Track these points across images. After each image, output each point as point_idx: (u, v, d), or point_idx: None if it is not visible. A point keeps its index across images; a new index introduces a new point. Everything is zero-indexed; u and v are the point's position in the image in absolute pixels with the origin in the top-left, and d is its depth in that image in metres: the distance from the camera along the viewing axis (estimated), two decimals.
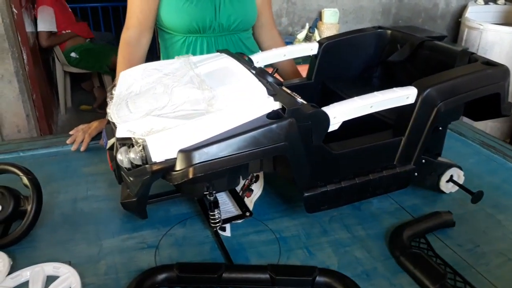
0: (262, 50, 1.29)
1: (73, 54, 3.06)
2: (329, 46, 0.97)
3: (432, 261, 0.68)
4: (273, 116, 0.65)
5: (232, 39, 1.19)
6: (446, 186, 0.86)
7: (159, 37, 1.23)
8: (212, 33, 1.15)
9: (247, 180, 0.84)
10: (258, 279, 0.63)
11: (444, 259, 0.70)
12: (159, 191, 0.78)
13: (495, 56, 2.39)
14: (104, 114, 0.79)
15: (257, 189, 0.81)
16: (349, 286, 0.62)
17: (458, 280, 0.66)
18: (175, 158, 0.60)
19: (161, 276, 0.63)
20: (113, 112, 0.71)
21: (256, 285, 0.64)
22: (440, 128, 0.84)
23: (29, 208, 0.72)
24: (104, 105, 3.26)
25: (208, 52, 1.14)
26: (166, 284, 0.63)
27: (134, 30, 1.12)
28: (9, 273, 0.65)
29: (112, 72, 2.96)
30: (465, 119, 0.97)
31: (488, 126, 2.57)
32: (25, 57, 2.28)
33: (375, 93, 0.69)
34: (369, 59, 1.02)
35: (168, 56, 1.21)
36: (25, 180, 0.73)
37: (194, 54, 1.15)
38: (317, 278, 0.63)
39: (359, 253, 0.72)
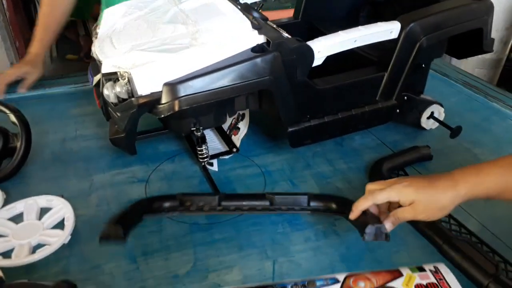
0: None
1: None
2: None
3: None
4: (257, 50, 0.65)
5: None
6: (426, 123, 0.88)
7: None
8: None
9: (234, 119, 0.85)
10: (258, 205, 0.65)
11: None
12: (148, 128, 0.80)
13: None
14: (86, 75, 0.78)
15: (244, 127, 0.83)
16: (342, 202, 0.65)
17: None
18: (161, 91, 0.61)
19: (166, 204, 0.63)
20: (98, 48, 0.71)
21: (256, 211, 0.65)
22: (423, 66, 0.85)
23: (18, 144, 0.73)
24: (90, 54, 3.20)
25: None
26: (170, 211, 0.63)
27: None
28: (3, 206, 0.67)
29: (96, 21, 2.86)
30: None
31: (475, 72, 2.58)
32: (4, 3, 2.19)
33: (359, 27, 0.70)
34: None
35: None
36: (13, 117, 0.73)
37: None
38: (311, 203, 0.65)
39: (340, 184, 0.75)
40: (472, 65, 2.64)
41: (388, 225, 0.56)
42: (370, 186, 0.59)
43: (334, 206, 0.64)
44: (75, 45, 3.34)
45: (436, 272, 0.55)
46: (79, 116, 0.93)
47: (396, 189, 0.54)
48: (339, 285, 0.52)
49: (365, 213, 0.58)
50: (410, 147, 0.81)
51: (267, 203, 0.65)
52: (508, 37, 2.54)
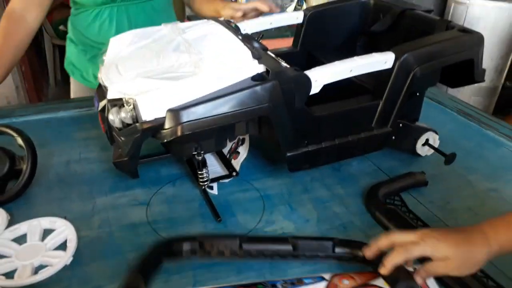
0: (193, 10, 1.25)
1: (61, 27, 3.03)
2: (314, 15, 1.00)
3: (405, 215, 0.73)
4: (257, 78, 0.68)
5: (145, 8, 1.13)
6: (422, 149, 0.91)
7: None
8: (122, 1, 1.09)
9: (234, 144, 0.88)
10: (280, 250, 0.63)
11: (417, 214, 0.75)
12: (150, 152, 0.82)
13: (480, 30, 2.43)
14: (89, 99, 0.80)
15: (243, 151, 0.85)
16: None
17: None
18: (164, 117, 0.64)
19: (186, 247, 0.62)
20: (104, 75, 0.74)
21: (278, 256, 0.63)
22: (418, 94, 0.88)
23: (24, 167, 0.75)
24: None
25: (119, 24, 1.10)
26: (190, 255, 0.62)
27: (19, 3, 0.99)
28: (7, 227, 0.68)
29: None
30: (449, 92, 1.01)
31: (471, 100, 2.63)
32: None
33: (355, 57, 0.73)
34: (352, 29, 1.05)
35: (77, 35, 1.17)
36: (20, 140, 0.76)
37: (105, 26, 1.11)
38: (336, 249, 0.63)
39: (338, 208, 0.77)
40: (469, 93, 2.68)
41: (419, 280, 0.55)
42: (398, 238, 0.57)
43: (361, 254, 0.62)
44: None
45: None
46: (83, 139, 0.96)
47: (431, 244, 0.53)
48: (325, 283, 0.54)
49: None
50: (406, 173, 0.83)
51: (289, 247, 0.63)
52: (503, 66, 2.59)
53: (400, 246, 0.55)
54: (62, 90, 3.21)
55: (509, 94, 2.82)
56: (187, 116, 0.63)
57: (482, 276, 0.60)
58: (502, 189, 0.82)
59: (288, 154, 0.76)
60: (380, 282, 0.59)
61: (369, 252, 0.58)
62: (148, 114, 0.64)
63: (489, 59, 2.53)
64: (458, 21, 2.53)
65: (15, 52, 1.00)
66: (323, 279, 0.56)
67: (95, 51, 1.15)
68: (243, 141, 0.85)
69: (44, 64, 3.19)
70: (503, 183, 0.84)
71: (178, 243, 0.62)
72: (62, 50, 3.23)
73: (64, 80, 3.31)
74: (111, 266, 0.63)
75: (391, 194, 0.79)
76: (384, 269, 0.56)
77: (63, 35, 3.06)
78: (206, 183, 0.78)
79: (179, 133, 0.63)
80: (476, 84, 2.76)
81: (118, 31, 1.05)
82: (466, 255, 0.53)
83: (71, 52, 1.22)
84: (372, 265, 0.61)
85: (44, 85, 3.02)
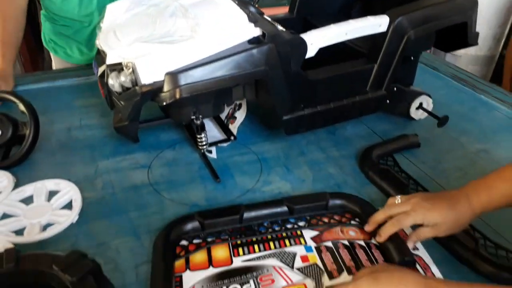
0: None
1: None
2: None
3: (397, 175, 0.76)
4: (254, 41, 0.70)
5: None
6: (415, 113, 0.93)
7: None
8: None
9: (231, 109, 0.89)
10: (277, 212, 0.65)
11: (409, 174, 0.78)
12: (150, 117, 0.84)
13: None
14: (88, 68, 0.78)
15: (240, 116, 0.87)
16: (361, 204, 0.68)
17: (420, 190, 0.74)
18: (163, 80, 0.65)
19: (186, 227, 0.63)
20: (102, 41, 0.75)
21: (276, 218, 0.65)
22: (412, 58, 0.89)
23: (27, 132, 0.77)
24: None
25: None
26: (192, 233, 0.63)
27: None
28: (14, 189, 0.71)
29: None
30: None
31: (468, 68, 2.62)
32: None
33: (350, 21, 0.74)
34: None
35: (54, 11, 1.12)
36: (22, 106, 0.77)
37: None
38: (330, 202, 0.67)
39: (332, 169, 0.79)
40: (466, 62, 2.68)
41: (411, 244, 0.60)
42: (393, 211, 0.61)
43: (354, 207, 0.67)
44: None
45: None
46: (84, 107, 0.97)
47: (421, 214, 0.58)
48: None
49: (394, 235, 0.61)
50: (399, 135, 0.85)
51: (285, 209, 0.66)
52: (501, 35, 2.58)
53: (394, 218, 0.60)
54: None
55: None
56: (185, 79, 0.64)
57: (480, 237, 0.63)
58: (492, 150, 0.85)
59: (285, 117, 0.78)
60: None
61: (368, 227, 0.63)
62: (147, 77, 0.65)
63: (487, 27, 2.52)
64: None
65: (17, 34, 1.03)
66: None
67: (78, 26, 1.12)
68: (240, 106, 0.87)
69: (39, 38, 3.15)
70: (493, 144, 0.87)
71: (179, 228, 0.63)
72: None
73: None
74: (115, 223, 0.66)
75: (385, 155, 0.81)
76: (380, 238, 0.61)
77: None
78: (205, 147, 0.80)
79: (177, 96, 0.65)
80: (473, 53, 2.75)
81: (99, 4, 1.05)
82: (453, 220, 0.58)
83: (48, 29, 1.18)
84: (364, 222, 0.65)
85: (39, 59, 3.00)
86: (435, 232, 0.59)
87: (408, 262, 0.58)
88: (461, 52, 2.66)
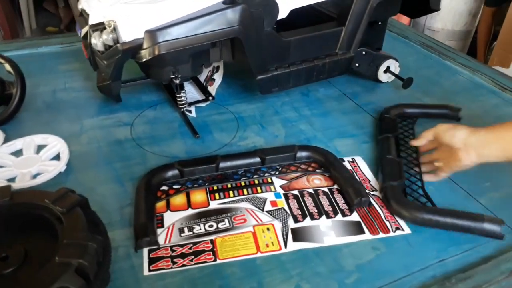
0: None
1: None
2: None
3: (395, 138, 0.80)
4: (228, 2, 0.74)
5: None
6: (383, 76, 0.99)
7: None
8: None
9: (210, 71, 0.94)
10: (250, 162, 0.71)
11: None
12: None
13: None
14: (72, 35, 0.81)
15: (218, 78, 0.92)
16: (325, 154, 0.74)
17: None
18: (143, 38, 0.70)
19: (167, 174, 0.68)
20: (85, 3, 0.78)
21: (249, 168, 0.72)
22: (379, 24, 0.95)
23: (14, 90, 0.81)
24: (71, 26, 3.20)
25: None
26: (172, 180, 0.68)
27: None
28: (3, 143, 0.75)
29: None
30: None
31: (445, 43, 2.70)
32: None
33: None
34: None
35: None
36: (8, 66, 0.81)
37: None
38: (298, 153, 0.73)
39: (303, 126, 0.85)
40: (443, 36, 2.75)
41: (443, 176, 0.67)
42: (441, 127, 0.67)
43: (319, 158, 0.73)
44: (54, 17, 3.33)
45: (352, 162, 0.69)
46: (68, 71, 1.01)
47: (470, 161, 0.62)
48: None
49: (352, 179, 0.68)
50: (442, 104, 0.88)
51: (258, 159, 0.72)
52: (476, 9, 2.65)
53: (445, 165, 0.65)
54: None
55: None
56: (163, 36, 0.69)
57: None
58: None
59: (259, 77, 0.83)
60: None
61: (415, 142, 0.70)
62: (127, 35, 0.69)
63: (462, 2, 2.58)
64: None
65: None
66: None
67: None
68: (217, 68, 0.91)
69: (17, 13, 3.11)
70: (452, 103, 0.93)
71: (159, 178, 0.68)
72: None
73: (40, 30, 3.25)
74: (101, 173, 0.71)
75: (409, 116, 0.85)
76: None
77: None
78: (184, 106, 0.85)
79: (156, 52, 0.69)
80: (450, 28, 2.81)
81: None
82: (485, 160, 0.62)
83: None
84: (327, 170, 0.71)
85: (19, 34, 2.97)
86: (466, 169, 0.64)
87: (365, 201, 0.65)
88: (438, 27, 2.73)
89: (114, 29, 0.70)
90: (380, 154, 0.75)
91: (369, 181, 0.71)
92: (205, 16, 0.71)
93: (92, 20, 0.73)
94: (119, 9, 0.71)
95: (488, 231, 0.58)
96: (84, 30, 0.78)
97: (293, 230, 0.62)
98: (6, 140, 0.77)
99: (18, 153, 0.74)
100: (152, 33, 0.69)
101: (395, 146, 0.76)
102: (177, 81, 0.81)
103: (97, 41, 0.73)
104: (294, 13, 0.80)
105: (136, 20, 0.69)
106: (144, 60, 0.71)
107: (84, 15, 0.79)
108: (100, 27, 0.73)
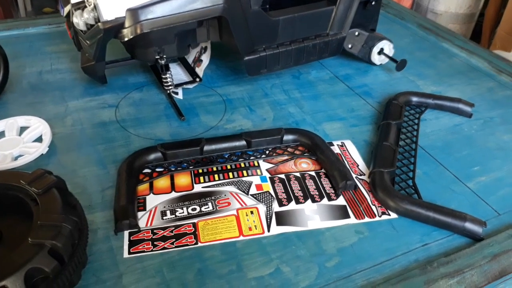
0: None
1: None
2: None
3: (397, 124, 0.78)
4: None
5: None
6: (377, 58, 0.97)
7: None
8: None
9: (197, 53, 0.92)
10: (236, 145, 0.70)
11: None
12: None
13: None
14: (59, 16, 0.81)
15: (206, 59, 0.90)
16: (312, 137, 0.72)
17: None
18: (125, 17, 0.68)
19: (150, 157, 0.67)
20: None
21: (235, 151, 0.70)
22: (373, 3, 0.92)
23: None
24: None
25: None
26: (155, 163, 0.67)
27: None
28: None
29: None
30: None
31: (449, 27, 2.65)
32: None
33: None
34: None
35: None
36: None
37: None
38: (285, 137, 0.72)
39: (293, 109, 0.84)
40: (446, 20, 2.70)
41: None
42: None
43: (306, 141, 0.71)
44: None
45: (341, 145, 0.68)
46: (54, 53, 0.99)
47: None
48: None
49: (338, 163, 0.66)
50: (455, 97, 0.83)
51: (243, 143, 0.70)
52: None
53: None
54: None
55: None
56: (145, 14, 0.67)
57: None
58: (445, 91, 0.90)
59: (247, 57, 0.81)
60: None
61: None
62: (108, 13, 0.67)
63: None
64: None
65: None
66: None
67: None
68: (205, 49, 0.89)
69: None
70: (446, 87, 0.92)
71: (142, 158, 0.67)
72: None
73: (35, 11, 3.22)
74: (84, 154, 0.70)
75: (419, 105, 0.83)
76: None
77: None
78: (170, 87, 0.83)
79: (138, 31, 0.67)
80: (453, 11, 2.78)
81: None
82: None
83: None
84: (314, 154, 0.70)
85: (14, 16, 2.93)
86: None
87: (350, 185, 0.64)
88: (442, 9, 2.68)
89: (95, 7, 0.68)
90: (378, 140, 0.73)
91: (358, 165, 0.70)
92: None
93: None
94: None
95: (468, 231, 0.56)
96: (66, 9, 0.76)
97: (277, 213, 0.61)
98: None
99: (0, 134, 0.73)
100: (134, 11, 0.67)
101: (395, 134, 0.74)
102: (162, 62, 0.79)
103: (79, 20, 0.71)
104: None
105: None
106: (126, 39, 0.69)
107: None
108: (81, 5, 0.71)
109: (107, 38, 0.70)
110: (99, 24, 0.68)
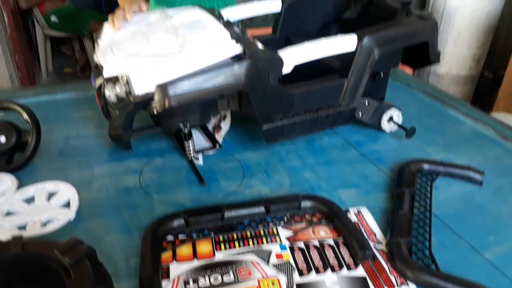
0: None
1: (53, 18, 3.09)
2: (291, 3, 1.09)
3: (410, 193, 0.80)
4: (235, 58, 0.78)
5: None
6: (387, 126, 1.01)
7: None
8: None
9: (217, 120, 0.97)
10: (255, 212, 0.73)
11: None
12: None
13: (459, 20, 2.54)
14: (85, 77, 0.89)
15: (225, 126, 0.95)
16: (329, 205, 0.75)
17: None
18: (154, 92, 0.73)
19: (173, 224, 0.70)
20: (100, 56, 0.83)
21: (254, 217, 0.73)
22: (381, 75, 0.98)
23: (29, 139, 0.84)
24: (85, 68, 3.33)
25: None
26: (178, 229, 0.70)
27: None
28: (17, 190, 0.78)
29: (92, 36, 3.02)
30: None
31: (450, 89, 2.75)
32: (6, 18, 2.32)
33: (322, 38, 0.83)
34: (327, 16, 1.14)
35: None
36: (25, 115, 0.85)
37: None
38: (302, 203, 0.75)
39: (308, 175, 0.87)
40: (448, 82, 2.80)
41: None
42: None
43: (323, 208, 0.74)
44: (70, 59, 3.47)
45: (358, 213, 0.69)
46: (81, 118, 1.05)
47: None
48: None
49: (356, 232, 0.68)
50: (464, 165, 0.86)
51: (262, 209, 0.73)
52: (480, 55, 2.71)
53: None
54: (54, 80, 3.28)
55: (487, 83, 2.94)
56: (174, 90, 0.72)
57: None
58: (454, 158, 0.93)
59: (264, 127, 0.86)
60: None
61: None
62: (140, 88, 0.73)
63: (466, 48, 2.65)
64: (437, 11, 2.64)
65: None
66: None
67: None
68: (225, 117, 0.95)
69: (35, 55, 3.25)
70: (455, 154, 0.95)
71: (165, 226, 0.69)
72: (53, 41, 3.30)
73: (56, 71, 3.38)
74: (110, 221, 0.73)
75: (430, 173, 0.85)
76: None
77: (55, 26, 3.13)
78: (192, 153, 0.87)
79: (166, 105, 0.72)
80: (455, 73, 2.89)
81: None
82: None
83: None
84: (332, 221, 0.72)
85: (36, 75, 3.09)
86: None
87: (369, 255, 0.65)
88: (443, 71, 2.79)
89: (127, 82, 0.74)
90: (393, 207, 0.75)
91: (375, 234, 0.71)
92: (214, 71, 0.74)
93: (106, 73, 0.77)
94: (132, 63, 0.75)
95: None
96: (98, 82, 0.82)
97: (298, 285, 0.62)
98: (19, 187, 0.79)
99: (30, 199, 0.77)
100: (163, 87, 0.72)
101: (410, 202, 0.76)
102: (186, 130, 0.84)
103: (111, 93, 0.76)
104: (300, 65, 0.84)
105: (148, 74, 0.73)
106: (155, 112, 0.74)
107: (99, 67, 0.83)
108: (114, 79, 0.77)
109: (136, 110, 0.76)
110: (130, 97, 0.74)
